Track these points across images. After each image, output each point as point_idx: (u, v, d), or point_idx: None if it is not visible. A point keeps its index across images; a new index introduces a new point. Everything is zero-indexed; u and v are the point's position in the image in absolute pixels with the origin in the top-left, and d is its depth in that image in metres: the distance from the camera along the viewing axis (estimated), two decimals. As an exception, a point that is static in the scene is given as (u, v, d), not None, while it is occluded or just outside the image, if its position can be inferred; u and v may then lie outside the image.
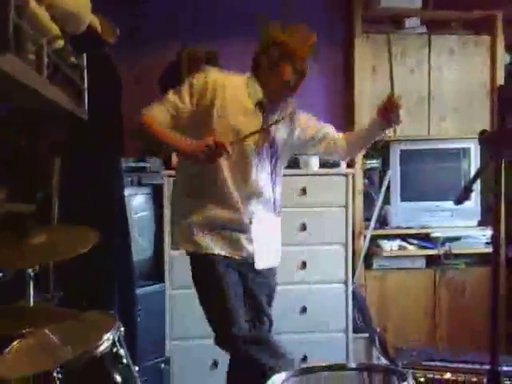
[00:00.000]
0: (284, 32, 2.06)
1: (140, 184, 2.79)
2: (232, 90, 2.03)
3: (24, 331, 1.45)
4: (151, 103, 2.07)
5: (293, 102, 2.16)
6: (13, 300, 1.86)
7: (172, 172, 2.88)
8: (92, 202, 2.28)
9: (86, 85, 1.96)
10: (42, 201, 2.25)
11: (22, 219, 2.02)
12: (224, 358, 2.94)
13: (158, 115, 2.01)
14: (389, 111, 2.08)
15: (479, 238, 3.32)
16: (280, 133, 2.10)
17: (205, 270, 2.06)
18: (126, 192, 2.59)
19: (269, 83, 2.04)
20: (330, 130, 2.23)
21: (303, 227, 2.99)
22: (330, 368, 1.48)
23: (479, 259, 3.35)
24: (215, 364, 2.90)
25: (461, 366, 2.42)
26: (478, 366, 2.38)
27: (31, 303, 1.73)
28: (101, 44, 1.86)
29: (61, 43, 1.52)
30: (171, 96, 2.03)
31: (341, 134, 2.23)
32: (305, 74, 2.06)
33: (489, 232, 3.27)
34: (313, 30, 3.32)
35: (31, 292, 1.74)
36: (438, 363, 2.45)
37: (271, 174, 2.11)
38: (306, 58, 2.03)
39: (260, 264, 2.11)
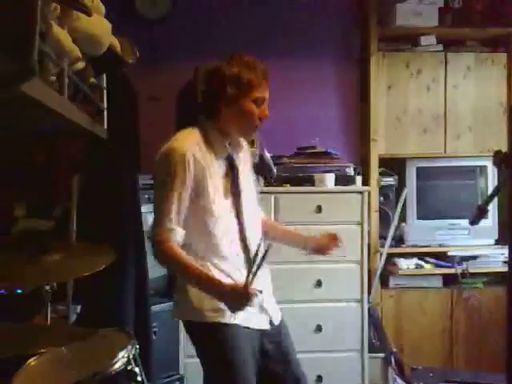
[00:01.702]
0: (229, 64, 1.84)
1: (156, 201, 2.80)
2: (198, 161, 1.77)
3: (40, 351, 1.46)
4: (161, 218, 1.75)
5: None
6: (30, 316, 1.88)
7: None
8: (109, 219, 2.31)
9: (105, 104, 1.99)
10: (60, 218, 2.28)
11: (39, 236, 2.05)
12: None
13: (178, 237, 1.75)
14: (328, 248, 2.00)
15: (496, 257, 3.28)
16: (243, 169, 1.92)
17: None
18: (143, 209, 2.61)
19: (240, 125, 1.81)
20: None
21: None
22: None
23: (497, 278, 3.30)
24: (229, 382, 2.88)
25: (478, 388, 2.38)
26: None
27: (48, 319, 1.75)
28: (120, 64, 1.90)
29: (82, 64, 1.55)
30: (175, 204, 1.75)
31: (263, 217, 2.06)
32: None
33: (506, 251, 3.22)
34: (329, 48, 3.40)
35: (48, 308, 1.76)
36: (455, 385, 2.41)
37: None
38: (267, 82, 1.82)
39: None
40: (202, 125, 1.86)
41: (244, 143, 1.95)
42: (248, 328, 1.81)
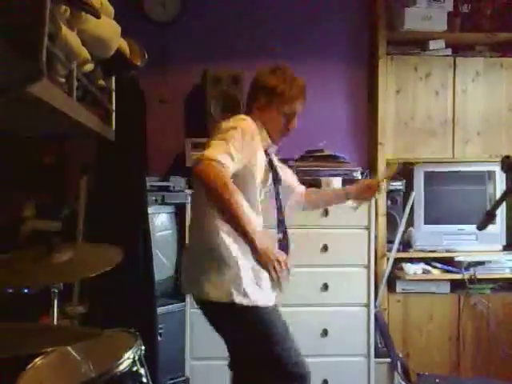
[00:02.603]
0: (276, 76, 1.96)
1: (163, 203, 2.82)
2: (256, 140, 1.90)
3: (46, 350, 1.47)
4: (215, 148, 1.72)
5: None
6: (37, 316, 1.90)
7: (195, 191, 2.91)
8: (116, 220, 2.32)
9: (114, 107, 2.00)
10: (68, 218, 2.30)
11: (48, 236, 2.06)
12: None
13: (229, 172, 1.71)
14: (370, 193, 2.19)
15: (504, 263, 3.26)
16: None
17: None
18: (150, 210, 2.62)
19: (274, 128, 1.97)
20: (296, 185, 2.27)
21: (325, 248, 2.98)
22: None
23: (504, 285, 3.28)
24: (234, 385, 2.88)
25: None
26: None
27: (55, 320, 1.76)
28: (129, 67, 1.91)
29: (90, 66, 1.57)
30: (239, 152, 1.77)
31: (303, 191, 2.29)
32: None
33: (514, 257, 3.20)
34: (337, 51, 3.40)
35: (55, 309, 1.77)
36: (462, 391, 2.40)
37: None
38: (303, 98, 1.98)
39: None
40: (249, 114, 1.97)
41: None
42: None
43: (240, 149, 1.77)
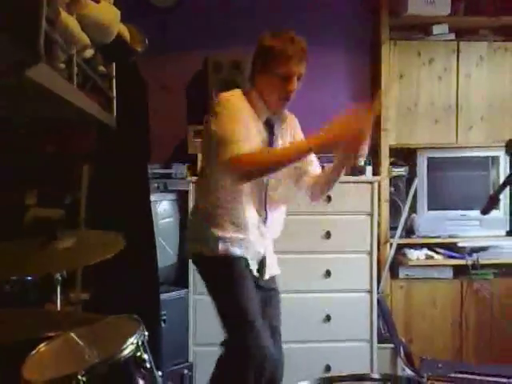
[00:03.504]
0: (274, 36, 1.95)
1: (166, 190, 2.82)
2: (245, 115, 1.91)
3: (50, 334, 1.48)
4: (229, 141, 1.81)
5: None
6: (40, 303, 1.91)
7: (197, 178, 2.91)
8: (118, 208, 2.32)
9: (114, 93, 1.99)
10: (70, 206, 2.30)
11: (50, 224, 2.07)
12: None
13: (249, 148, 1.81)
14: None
15: (508, 248, 3.25)
16: (283, 141, 2.05)
17: (227, 268, 1.96)
18: (152, 198, 2.62)
19: (271, 94, 1.94)
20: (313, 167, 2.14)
21: (328, 235, 2.98)
22: (353, 378, 1.46)
23: (508, 270, 3.28)
24: (238, 371, 2.89)
25: (487, 379, 2.37)
26: (505, 380, 2.33)
27: (58, 307, 1.76)
28: (129, 53, 1.90)
29: (90, 52, 1.55)
30: (241, 130, 1.84)
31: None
32: (302, 77, 1.96)
33: (518, 242, 3.20)
34: (340, 36, 3.37)
35: (58, 296, 1.77)
36: (464, 376, 2.40)
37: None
38: (299, 59, 1.92)
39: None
40: (246, 87, 2.00)
41: (292, 120, 2.09)
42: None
43: (239, 126, 1.83)
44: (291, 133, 2.09)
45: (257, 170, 1.82)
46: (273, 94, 1.93)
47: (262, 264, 2.02)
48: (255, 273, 2.00)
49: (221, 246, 1.93)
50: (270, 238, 2.08)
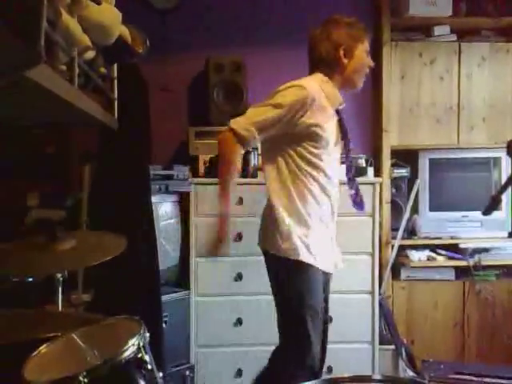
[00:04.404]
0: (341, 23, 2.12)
1: (167, 191, 2.82)
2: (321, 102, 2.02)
3: (51, 335, 1.48)
4: (250, 121, 1.98)
5: None
6: (41, 304, 1.90)
7: (199, 179, 2.91)
8: (120, 209, 2.32)
9: (116, 95, 1.99)
10: (72, 207, 2.30)
11: (51, 225, 2.06)
12: (248, 366, 2.94)
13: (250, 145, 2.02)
14: None
15: (509, 250, 3.25)
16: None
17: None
18: (154, 199, 2.62)
19: (361, 73, 2.10)
20: None
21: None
22: (354, 379, 1.46)
23: (509, 271, 3.27)
24: (239, 372, 2.89)
25: (489, 380, 2.36)
26: (507, 381, 2.32)
27: (59, 308, 1.76)
28: (131, 54, 1.90)
29: (92, 54, 1.55)
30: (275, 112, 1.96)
31: None
32: None
33: (520, 243, 3.19)
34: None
35: (59, 297, 1.77)
36: (466, 377, 2.40)
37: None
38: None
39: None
40: (319, 78, 2.06)
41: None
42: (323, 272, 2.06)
43: (271, 124, 1.95)
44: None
45: (220, 158, 2.01)
46: (359, 72, 2.09)
47: None
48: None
49: None
50: None
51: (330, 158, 2.05)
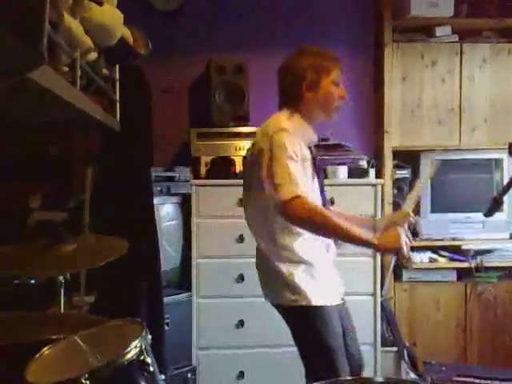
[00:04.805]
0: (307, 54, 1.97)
1: (169, 193, 2.82)
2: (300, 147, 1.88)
3: (54, 338, 1.48)
4: (285, 181, 1.79)
5: None
6: (44, 306, 1.90)
7: (200, 181, 2.92)
8: (122, 211, 2.32)
9: (118, 96, 2.00)
10: (74, 209, 2.30)
11: (54, 227, 2.06)
12: (250, 368, 2.94)
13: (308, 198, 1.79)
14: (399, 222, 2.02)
15: (511, 251, 3.24)
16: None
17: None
18: (155, 201, 2.62)
19: (324, 109, 1.96)
20: None
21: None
22: (356, 381, 1.45)
23: (511, 273, 3.26)
24: (241, 375, 2.89)
25: (491, 382, 2.36)
26: (510, 384, 2.32)
27: (61, 310, 1.76)
28: (133, 56, 1.90)
29: (94, 55, 1.56)
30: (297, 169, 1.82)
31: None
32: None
33: (522, 245, 3.18)
34: (343, 39, 3.36)
35: (62, 299, 1.77)
36: (468, 379, 2.39)
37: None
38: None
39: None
40: (289, 114, 1.94)
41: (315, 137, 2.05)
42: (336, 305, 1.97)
43: (297, 168, 1.82)
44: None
45: (314, 225, 1.80)
46: (331, 100, 1.95)
47: None
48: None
49: None
50: None
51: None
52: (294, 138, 1.84)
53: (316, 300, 1.91)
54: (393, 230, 1.84)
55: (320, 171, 2.03)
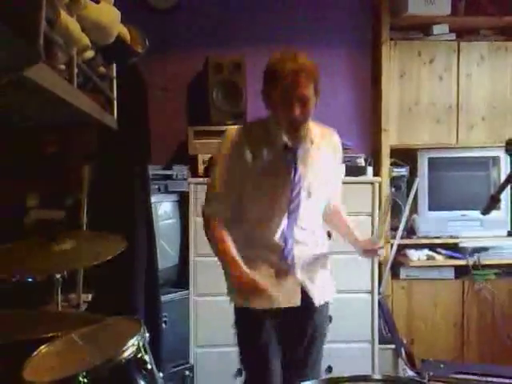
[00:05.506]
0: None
1: (166, 191, 2.82)
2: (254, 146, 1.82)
3: (51, 336, 1.48)
4: (207, 198, 1.90)
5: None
6: (41, 304, 1.90)
7: (198, 179, 2.91)
8: (119, 209, 2.32)
9: (115, 94, 1.99)
10: (72, 208, 2.29)
11: (51, 225, 2.06)
12: (248, 366, 2.92)
13: (221, 214, 1.86)
14: (369, 252, 2.08)
15: (509, 249, 3.25)
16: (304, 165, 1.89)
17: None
18: (153, 199, 2.62)
19: (280, 120, 1.78)
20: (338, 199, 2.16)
21: (328, 236, 2.96)
22: (354, 379, 1.46)
23: (509, 270, 3.27)
24: (239, 372, 2.89)
25: (489, 379, 2.36)
26: (506, 381, 2.32)
27: (59, 308, 1.76)
28: (130, 54, 1.90)
29: (91, 53, 1.55)
30: (223, 189, 1.84)
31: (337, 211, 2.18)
32: (309, 98, 1.74)
33: (519, 242, 3.19)
34: (340, 36, 3.37)
35: (59, 297, 1.77)
36: (466, 376, 2.40)
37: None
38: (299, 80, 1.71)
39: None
40: (264, 117, 1.89)
41: (329, 140, 1.97)
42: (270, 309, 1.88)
43: (228, 180, 1.86)
44: (317, 153, 1.90)
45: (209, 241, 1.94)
46: (277, 117, 1.79)
47: None
48: None
49: None
50: None
51: None
52: (228, 149, 1.88)
53: None
54: (254, 275, 1.76)
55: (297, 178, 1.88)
